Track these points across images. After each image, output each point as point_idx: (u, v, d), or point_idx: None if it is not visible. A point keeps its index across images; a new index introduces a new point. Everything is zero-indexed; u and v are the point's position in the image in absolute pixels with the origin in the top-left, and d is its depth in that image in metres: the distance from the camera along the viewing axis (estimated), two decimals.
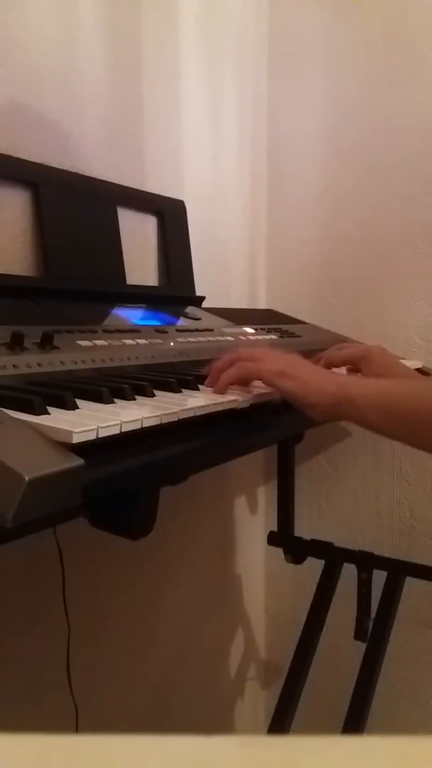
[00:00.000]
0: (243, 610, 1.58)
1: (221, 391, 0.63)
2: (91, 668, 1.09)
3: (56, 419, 0.45)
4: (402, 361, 0.93)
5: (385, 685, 1.22)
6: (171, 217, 1.17)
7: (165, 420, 0.50)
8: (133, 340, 0.79)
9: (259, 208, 1.52)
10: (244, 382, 0.67)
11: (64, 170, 0.96)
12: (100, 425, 0.43)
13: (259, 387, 0.68)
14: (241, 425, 0.62)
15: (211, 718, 1.46)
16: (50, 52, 0.95)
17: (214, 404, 0.58)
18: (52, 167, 0.94)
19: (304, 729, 1.29)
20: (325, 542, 1.36)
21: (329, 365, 0.85)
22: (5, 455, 0.37)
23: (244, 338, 1.01)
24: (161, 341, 0.84)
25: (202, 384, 0.66)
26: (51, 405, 0.47)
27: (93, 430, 0.43)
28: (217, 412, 0.58)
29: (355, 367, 0.84)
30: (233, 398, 0.62)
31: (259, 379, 0.65)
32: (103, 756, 0.15)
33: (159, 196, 1.16)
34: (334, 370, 0.83)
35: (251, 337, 1.03)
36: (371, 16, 1.34)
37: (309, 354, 0.88)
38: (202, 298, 1.17)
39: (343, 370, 0.85)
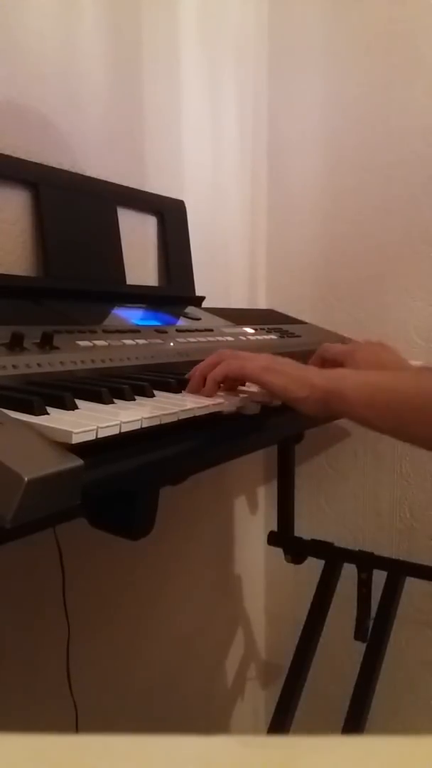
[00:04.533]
0: (243, 610, 1.58)
1: (211, 394, 0.62)
2: (91, 668, 1.09)
3: (56, 419, 0.45)
4: None
5: (385, 685, 1.22)
6: (171, 217, 1.17)
7: (164, 420, 0.50)
8: (132, 340, 0.79)
9: (259, 208, 1.52)
10: (231, 383, 0.66)
11: (64, 170, 0.96)
12: (100, 425, 0.43)
13: (248, 389, 0.68)
14: (241, 425, 0.62)
15: (211, 718, 1.46)
16: (50, 52, 0.95)
17: (215, 404, 0.58)
18: (52, 167, 0.94)
19: (304, 729, 1.29)
20: (325, 542, 1.36)
21: (318, 365, 0.84)
22: (5, 455, 0.37)
23: (244, 338, 1.01)
24: (161, 341, 0.84)
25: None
26: (50, 405, 0.47)
27: (92, 430, 0.43)
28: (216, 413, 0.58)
29: (341, 366, 0.83)
30: (234, 398, 0.62)
31: (246, 377, 0.64)
32: (103, 756, 0.15)
33: (159, 196, 1.16)
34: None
35: (251, 337, 1.03)
36: (371, 16, 1.34)
37: (308, 354, 0.88)
38: (202, 298, 1.17)
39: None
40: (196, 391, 0.64)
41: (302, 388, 0.62)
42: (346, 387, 0.61)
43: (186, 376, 0.66)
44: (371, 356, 0.81)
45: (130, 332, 0.82)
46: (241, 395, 0.65)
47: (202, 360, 0.67)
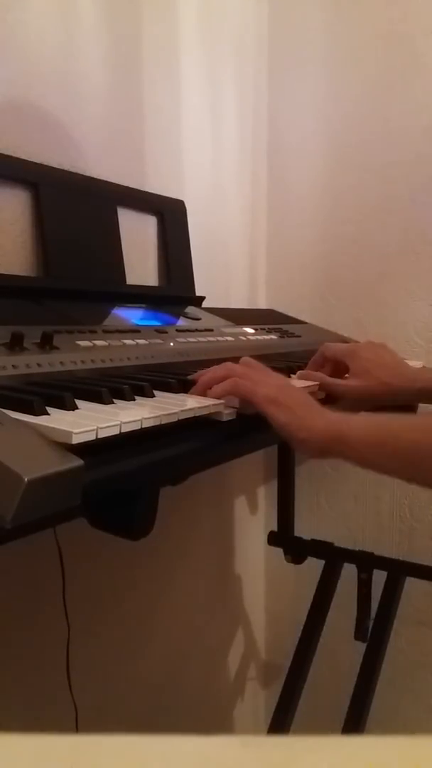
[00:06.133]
0: (243, 610, 1.58)
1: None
2: (91, 668, 1.09)
3: (56, 420, 0.45)
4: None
5: (385, 685, 1.22)
6: (171, 217, 1.17)
7: (164, 420, 0.50)
8: (133, 340, 0.79)
9: (259, 208, 1.52)
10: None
11: (64, 170, 0.96)
12: (100, 426, 0.43)
13: None
14: (241, 425, 0.62)
15: (211, 718, 1.46)
16: (50, 52, 0.95)
17: (215, 404, 0.58)
18: (52, 167, 0.94)
19: (304, 729, 1.29)
20: (325, 542, 1.36)
21: (317, 367, 0.84)
22: (5, 456, 0.37)
23: (244, 338, 1.01)
24: (161, 341, 0.84)
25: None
26: (50, 405, 0.47)
27: (92, 430, 0.43)
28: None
29: (342, 365, 0.83)
30: (234, 398, 0.61)
31: (250, 402, 0.62)
32: (103, 756, 0.15)
33: (159, 196, 1.16)
34: (315, 373, 0.81)
35: (251, 337, 1.03)
36: (371, 16, 1.34)
37: (308, 354, 0.88)
38: (202, 298, 1.17)
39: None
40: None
41: (302, 429, 0.60)
42: (350, 437, 0.59)
43: (189, 377, 0.66)
44: (372, 355, 0.81)
45: (130, 332, 0.82)
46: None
47: (202, 360, 0.67)
